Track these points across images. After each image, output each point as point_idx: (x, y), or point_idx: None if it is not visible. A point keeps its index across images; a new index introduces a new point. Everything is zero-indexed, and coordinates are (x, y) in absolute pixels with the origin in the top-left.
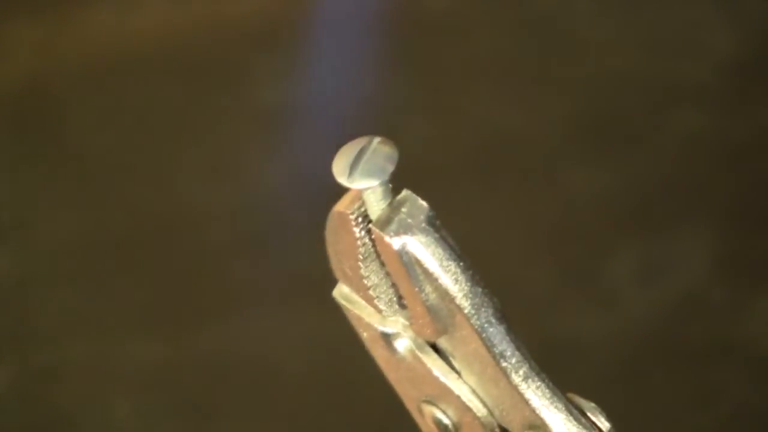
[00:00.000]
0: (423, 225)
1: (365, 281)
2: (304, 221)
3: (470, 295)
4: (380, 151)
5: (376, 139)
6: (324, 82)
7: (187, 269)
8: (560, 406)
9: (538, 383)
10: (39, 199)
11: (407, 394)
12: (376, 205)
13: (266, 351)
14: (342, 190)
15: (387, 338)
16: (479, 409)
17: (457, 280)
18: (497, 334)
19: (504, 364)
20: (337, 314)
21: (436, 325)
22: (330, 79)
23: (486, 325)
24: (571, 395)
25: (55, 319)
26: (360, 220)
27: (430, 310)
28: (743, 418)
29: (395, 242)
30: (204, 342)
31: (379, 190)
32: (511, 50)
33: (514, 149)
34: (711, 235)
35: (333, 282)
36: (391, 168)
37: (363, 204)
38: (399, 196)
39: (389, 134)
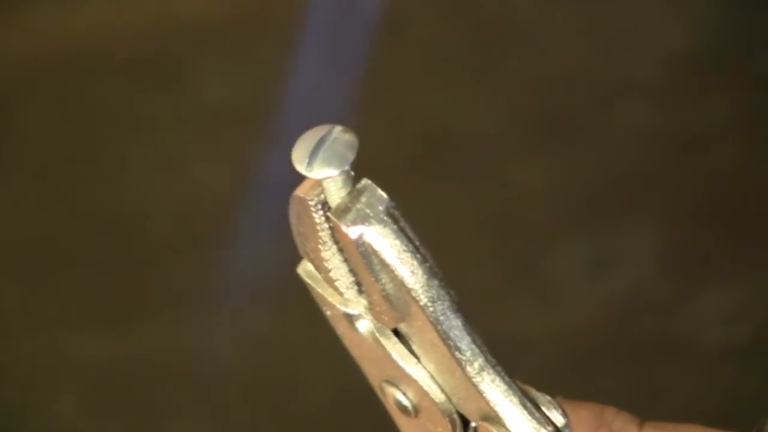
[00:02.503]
0: (381, 216)
1: (326, 264)
2: (247, 220)
3: (426, 288)
4: (341, 140)
5: (337, 128)
6: (267, 80)
7: (131, 267)
8: (515, 399)
9: (493, 376)
10: None
11: (370, 372)
12: (336, 193)
13: (209, 348)
14: (294, 181)
15: (349, 318)
16: (437, 395)
17: (413, 272)
18: (453, 326)
19: (459, 356)
20: (280, 312)
21: (393, 313)
22: (273, 77)
23: (441, 318)
24: (527, 388)
25: (0, 316)
26: (319, 206)
27: (387, 300)
28: (690, 411)
29: (352, 232)
30: (148, 339)
31: (339, 179)
32: (457, 46)
33: (459, 145)
34: (657, 229)
35: (276, 281)
36: (351, 157)
37: (323, 191)
38: (359, 185)
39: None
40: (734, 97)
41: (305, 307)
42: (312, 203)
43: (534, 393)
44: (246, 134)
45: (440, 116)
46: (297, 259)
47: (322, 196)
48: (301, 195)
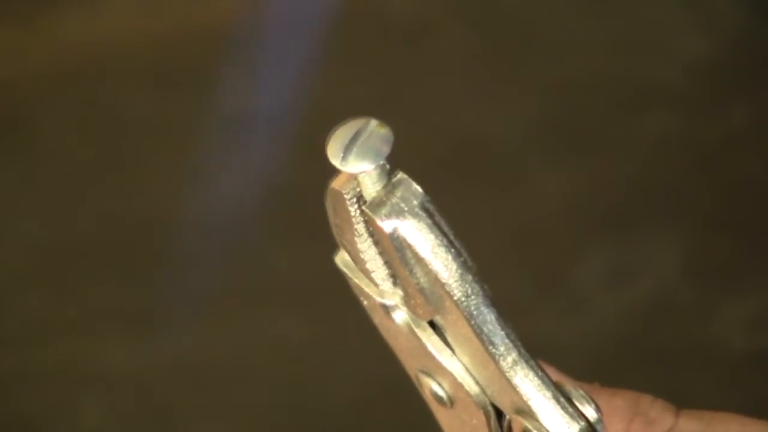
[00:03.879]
0: (416, 210)
1: (362, 255)
2: (272, 226)
3: (460, 282)
4: (376, 133)
5: (373, 121)
6: (292, 88)
7: (154, 274)
8: (548, 393)
9: (526, 370)
10: (7, 204)
11: (406, 362)
12: (371, 187)
13: (235, 356)
14: (319, 186)
15: (385, 309)
16: (471, 387)
17: (447, 267)
18: (486, 321)
19: (492, 350)
20: (304, 317)
21: (428, 306)
22: (298, 84)
23: (475, 312)
24: (561, 382)
25: (23, 323)
26: (355, 200)
27: (421, 293)
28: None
29: (387, 226)
30: (171, 346)
31: (374, 173)
32: (479, 53)
33: (481, 152)
34: (679, 237)
35: (300, 286)
36: (386, 151)
37: (359, 183)
38: (394, 179)
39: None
40: (756, 105)
41: (328, 311)
42: (347, 196)
43: (568, 387)
44: (270, 141)
45: (464, 124)
46: (321, 264)
47: (358, 189)
48: (337, 188)
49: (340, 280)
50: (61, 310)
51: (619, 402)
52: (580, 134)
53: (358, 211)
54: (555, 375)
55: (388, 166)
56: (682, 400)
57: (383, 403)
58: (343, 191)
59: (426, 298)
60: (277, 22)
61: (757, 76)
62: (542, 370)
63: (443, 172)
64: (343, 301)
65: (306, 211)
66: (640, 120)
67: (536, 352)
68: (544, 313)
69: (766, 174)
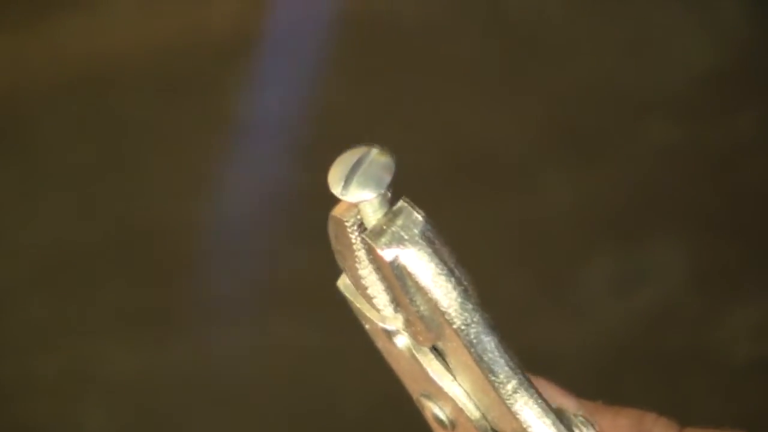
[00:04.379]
0: (416, 238)
1: (363, 281)
2: (274, 232)
3: (460, 311)
4: (377, 162)
5: (374, 150)
6: (295, 96)
7: (158, 279)
8: (547, 421)
9: (526, 398)
10: (8, 209)
11: (408, 386)
12: (372, 215)
13: (238, 360)
14: (321, 194)
15: (387, 333)
16: (472, 413)
17: (447, 295)
18: (486, 349)
19: (492, 378)
20: (307, 323)
21: (428, 333)
22: (301, 93)
23: (475, 341)
24: (561, 409)
25: (24, 330)
26: (356, 227)
27: (422, 320)
28: (718, 426)
29: (387, 254)
30: (177, 351)
31: (375, 201)
32: (484, 59)
33: (487, 158)
34: (686, 244)
35: (302, 292)
36: (387, 180)
37: (359, 211)
38: (395, 207)
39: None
40: (763, 113)
41: (333, 317)
42: (348, 224)
43: (568, 414)
44: (271, 148)
45: (470, 130)
46: (325, 270)
47: (359, 216)
48: (338, 216)
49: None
50: (63, 316)
51: (622, 421)
52: (586, 141)
53: (359, 239)
54: (560, 390)
55: (389, 194)
56: (686, 406)
57: (389, 411)
58: (344, 219)
59: (426, 325)
60: (280, 28)
61: (763, 83)
62: (542, 398)
63: (449, 178)
64: (348, 309)
65: (310, 216)
66: (647, 127)
67: (541, 358)
68: (549, 320)
69: None
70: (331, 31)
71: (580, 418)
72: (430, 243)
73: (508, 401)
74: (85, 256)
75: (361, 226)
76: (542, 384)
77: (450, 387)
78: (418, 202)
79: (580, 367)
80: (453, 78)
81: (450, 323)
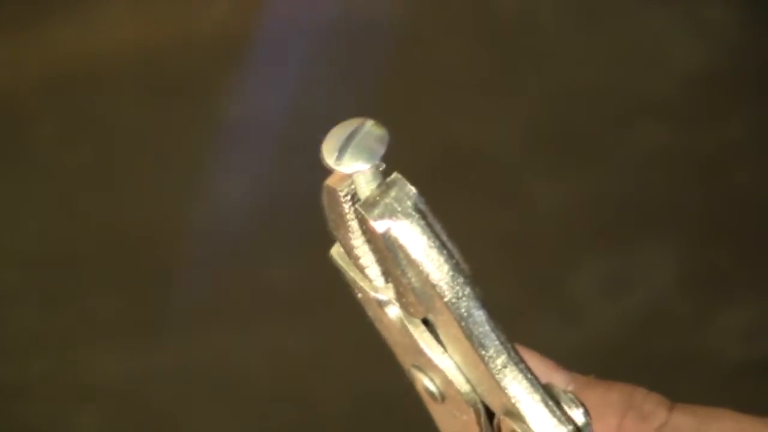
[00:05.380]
0: (409, 211)
1: (356, 252)
2: (267, 235)
3: (451, 284)
4: (372, 134)
5: (369, 122)
6: (288, 97)
7: (151, 283)
8: (536, 397)
9: (516, 373)
10: (3, 213)
11: (400, 356)
12: (365, 186)
13: (231, 366)
14: (313, 195)
15: (379, 303)
16: (462, 385)
17: (438, 268)
18: (476, 323)
19: (482, 353)
20: (300, 330)
21: (419, 306)
22: (294, 94)
23: (465, 314)
24: (551, 385)
25: (17, 335)
26: (349, 198)
27: (413, 293)
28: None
29: (379, 226)
30: (169, 355)
31: (369, 172)
32: (472, 62)
33: (476, 162)
34: (675, 248)
35: (295, 295)
36: (381, 151)
37: (353, 182)
38: (389, 179)
39: None
40: (752, 117)
41: (326, 320)
42: (342, 194)
43: (557, 390)
44: (264, 151)
45: (459, 134)
46: (319, 274)
47: (353, 186)
48: (331, 185)
49: (338, 289)
50: (56, 321)
51: (613, 396)
52: (575, 145)
53: (352, 210)
54: (552, 364)
55: (383, 166)
56: None
57: (375, 410)
58: (338, 189)
59: (417, 297)
60: (273, 30)
61: (753, 87)
62: (532, 373)
63: (437, 182)
64: (341, 310)
65: (303, 220)
66: (636, 131)
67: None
68: (539, 323)
69: (762, 185)
70: (322, 33)
71: (570, 395)
72: (422, 216)
73: (497, 376)
74: (76, 260)
75: (354, 197)
76: (534, 357)
77: (440, 359)
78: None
79: (572, 369)
80: (441, 81)
81: (441, 296)
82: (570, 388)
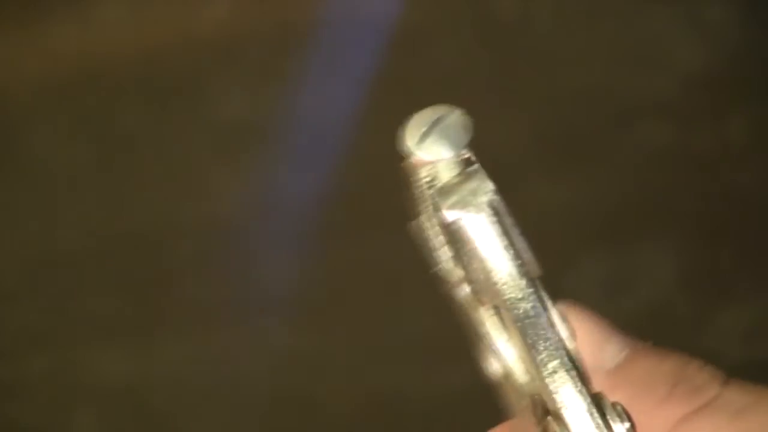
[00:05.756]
0: (483, 205)
1: (429, 233)
2: (266, 236)
3: (512, 285)
4: (458, 122)
5: (457, 111)
6: (285, 98)
7: (149, 284)
8: (582, 406)
9: (565, 379)
10: (1, 213)
11: (469, 333)
12: (446, 172)
13: (228, 367)
14: (309, 198)
15: (450, 283)
16: (520, 376)
17: (501, 267)
18: (533, 325)
19: (535, 355)
20: (299, 327)
21: (483, 296)
22: (291, 95)
23: (522, 316)
24: (601, 395)
25: (18, 333)
26: (429, 179)
27: (477, 283)
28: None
29: (449, 215)
30: (167, 356)
31: (451, 159)
32: (472, 63)
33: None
34: (675, 248)
35: (295, 296)
36: (465, 139)
37: (434, 165)
38: (469, 169)
39: (349, 151)
40: (752, 117)
41: (325, 321)
42: (422, 174)
43: (606, 401)
44: (264, 151)
45: None
46: (318, 275)
47: (434, 170)
48: (414, 165)
49: (338, 289)
50: (55, 321)
51: (666, 365)
52: (575, 145)
53: (428, 194)
54: (608, 329)
55: (467, 155)
56: None
57: (381, 412)
58: (420, 168)
59: (481, 288)
60: (270, 31)
61: (753, 87)
62: (583, 381)
63: None
64: (340, 312)
65: (302, 220)
66: (636, 131)
67: None
68: None
69: (762, 185)
70: (320, 34)
71: (619, 408)
72: (495, 213)
73: (547, 379)
74: (75, 261)
75: (434, 180)
76: (591, 320)
77: (503, 347)
78: (405, 205)
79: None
80: (441, 82)
81: (500, 294)
82: (624, 353)
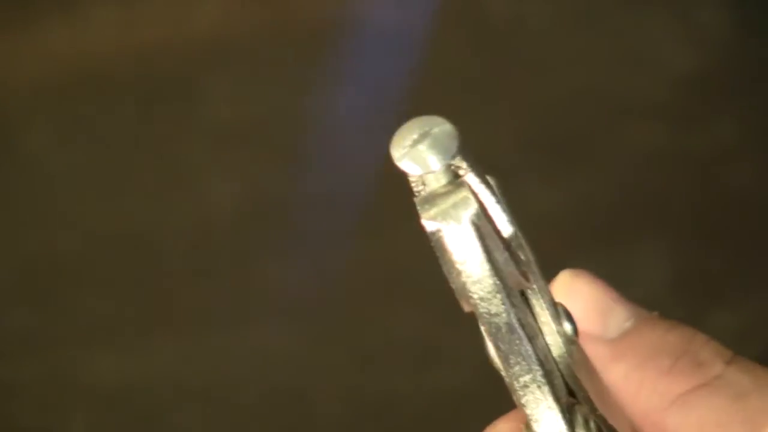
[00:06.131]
0: (463, 218)
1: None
2: (259, 238)
3: (486, 300)
4: (445, 134)
5: (445, 122)
6: (278, 99)
7: (142, 286)
8: (552, 422)
9: (538, 395)
10: None
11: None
12: (433, 182)
13: (221, 369)
14: (301, 200)
15: None
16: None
17: (477, 282)
18: (506, 340)
19: (507, 368)
20: (294, 330)
21: (464, 303)
22: (284, 96)
23: (494, 331)
24: (576, 409)
25: (10, 336)
26: (417, 188)
27: (456, 291)
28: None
29: (428, 225)
30: (160, 358)
31: (438, 171)
32: (465, 66)
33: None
34: (669, 250)
35: (289, 298)
36: (453, 150)
37: (422, 176)
38: (456, 181)
39: (340, 153)
40: (743, 118)
41: (316, 323)
42: (412, 179)
43: (580, 416)
44: (257, 153)
45: None
46: (309, 276)
47: (422, 179)
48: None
49: (332, 291)
50: (47, 325)
51: (671, 337)
52: (567, 147)
53: (414, 200)
54: (614, 295)
55: (457, 165)
56: None
57: (375, 414)
58: (409, 177)
59: (461, 296)
60: (262, 31)
61: (744, 88)
62: (556, 396)
63: None
64: (336, 312)
65: (297, 221)
66: (628, 132)
67: None
68: None
69: (754, 186)
70: (313, 37)
71: (592, 425)
72: (476, 227)
73: (517, 392)
74: (72, 261)
75: (421, 189)
76: (599, 287)
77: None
78: (399, 208)
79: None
80: (433, 85)
81: (475, 308)
82: (630, 322)
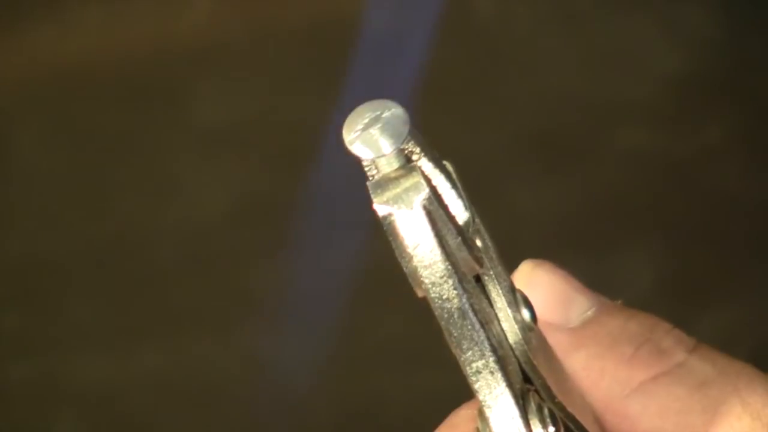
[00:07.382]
0: (414, 202)
1: None
2: (245, 242)
3: (437, 285)
4: (396, 117)
5: (396, 105)
6: (264, 104)
7: (130, 289)
8: (505, 408)
9: (490, 381)
10: None
11: None
12: (386, 166)
13: (209, 372)
14: (290, 205)
15: None
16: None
17: (428, 267)
18: (457, 325)
19: (459, 354)
20: (282, 335)
21: (417, 289)
22: (270, 101)
23: (446, 315)
24: (530, 397)
25: None
26: (370, 172)
27: (409, 276)
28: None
29: (380, 209)
30: (148, 361)
31: (390, 155)
32: (453, 68)
33: (457, 168)
34: (655, 252)
35: (275, 300)
36: (404, 133)
37: (375, 160)
38: (409, 165)
39: (327, 155)
40: (731, 119)
41: (304, 327)
42: (365, 163)
43: (534, 404)
44: (245, 155)
45: (438, 137)
46: (296, 279)
47: (375, 163)
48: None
49: (318, 296)
50: (36, 328)
51: (633, 325)
52: (552, 149)
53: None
54: (577, 285)
55: (408, 150)
56: None
57: (364, 418)
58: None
59: (413, 281)
60: (250, 35)
61: (730, 89)
62: (509, 383)
63: None
64: (322, 316)
65: (283, 223)
66: (614, 135)
67: None
68: None
69: (740, 188)
70: (297, 38)
71: (547, 411)
72: (428, 211)
73: (471, 378)
74: (56, 266)
75: (374, 173)
76: (561, 276)
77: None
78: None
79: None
80: (421, 86)
81: (427, 292)
82: (592, 311)
